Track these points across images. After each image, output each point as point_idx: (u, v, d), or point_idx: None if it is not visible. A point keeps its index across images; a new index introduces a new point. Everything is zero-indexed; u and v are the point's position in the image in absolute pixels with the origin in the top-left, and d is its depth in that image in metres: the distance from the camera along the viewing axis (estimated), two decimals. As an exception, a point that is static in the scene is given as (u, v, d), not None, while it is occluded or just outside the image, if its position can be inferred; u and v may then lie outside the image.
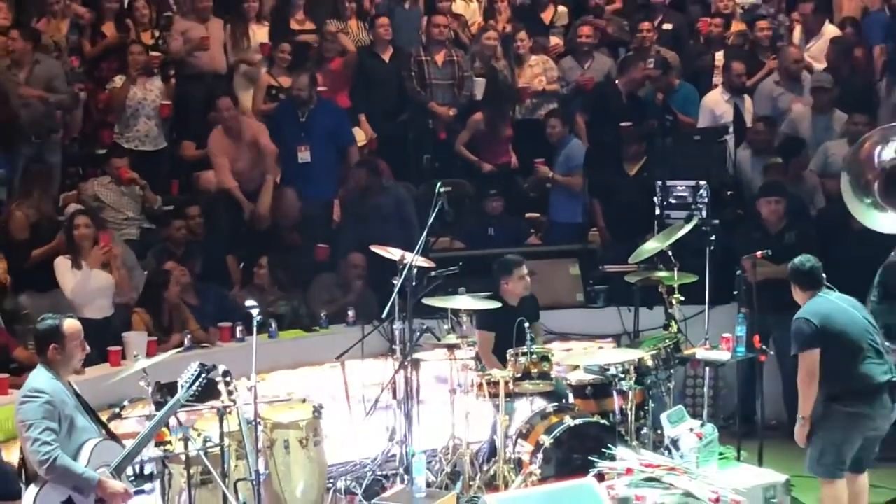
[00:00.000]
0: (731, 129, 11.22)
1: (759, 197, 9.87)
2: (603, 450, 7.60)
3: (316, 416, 7.95)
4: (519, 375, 8.17)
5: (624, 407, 8.12)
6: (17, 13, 11.32)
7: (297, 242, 10.56)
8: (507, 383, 8.09)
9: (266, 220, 10.60)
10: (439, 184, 8.63)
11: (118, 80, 10.86)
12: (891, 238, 8.01)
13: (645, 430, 8.28)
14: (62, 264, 9.07)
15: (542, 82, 11.81)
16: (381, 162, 10.96)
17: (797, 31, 12.18)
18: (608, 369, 8.27)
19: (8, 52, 10.50)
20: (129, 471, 6.58)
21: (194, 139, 11.21)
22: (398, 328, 8.61)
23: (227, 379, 6.81)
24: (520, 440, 8.09)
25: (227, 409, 6.84)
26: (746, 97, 11.49)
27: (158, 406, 6.86)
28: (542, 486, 7.61)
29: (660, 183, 10.53)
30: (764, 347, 8.40)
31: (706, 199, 10.28)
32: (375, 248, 8.96)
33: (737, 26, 12.61)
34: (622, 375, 8.13)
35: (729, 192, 10.74)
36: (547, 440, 7.87)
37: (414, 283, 8.40)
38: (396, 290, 8.38)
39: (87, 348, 6.65)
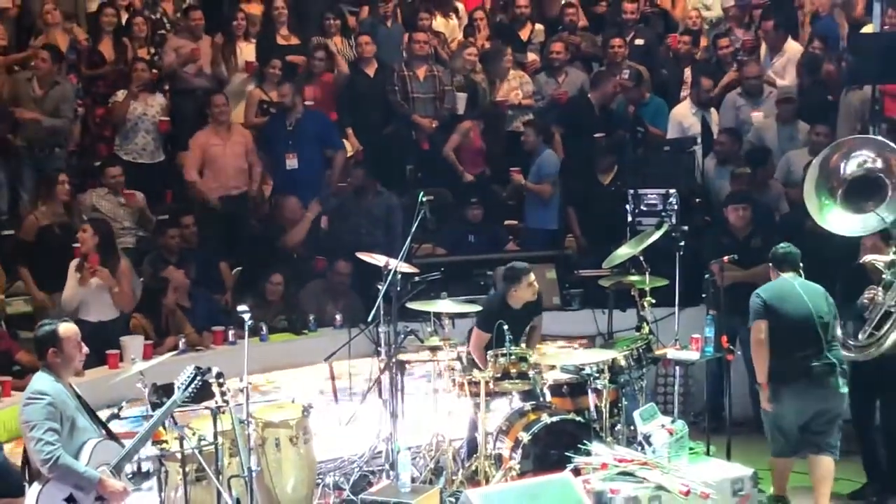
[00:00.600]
0: (699, 141, 11.27)
1: (727, 204, 9.90)
2: (579, 445, 7.65)
3: (305, 415, 7.96)
4: (499, 375, 8.19)
5: (599, 405, 8.14)
6: (17, 31, 11.37)
7: (303, 256, 10.60)
8: (487, 383, 8.12)
9: (295, 247, 10.63)
10: (422, 193, 8.65)
11: (120, 95, 10.86)
12: (845, 240, 8.07)
13: (619, 427, 8.29)
14: (70, 267, 9.08)
15: (518, 96, 11.85)
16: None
17: (763, 47, 12.23)
18: (583, 369, 8.31)
19: (22, 68, 10.56)
20: (128, 469, 6.59)
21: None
22: (383, 331, 8.62)
23: (221, 381, 6.82)
24: (500, 437, 8.11)
25: (221, 410, 6.85)
26: (713, 110, 11.54)
27: (155, 407, 6.87)
28: (521, 480, 7.62)
29: (632, 191, 10.57)
30: (731, 347, 8.42)
31: (676, 207, 10.31)
32: (362, 255, 8.98)
33: (704, 42, 12.68)
34: (597, 375, 8.16)
35: (697, 200, 10.78)
36: (525, 437, 7.87)
37: (398, 288, 8.43)
38: (381, 294, 8.40)
39: (86, 349, 6.65)
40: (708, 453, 8.01)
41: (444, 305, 8.67)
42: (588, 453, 7.55)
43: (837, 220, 7.91)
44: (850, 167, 7.91)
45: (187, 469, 6.94)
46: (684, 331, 8.92)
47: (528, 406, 8.20)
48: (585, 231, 11.08)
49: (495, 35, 12.48)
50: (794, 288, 7.79)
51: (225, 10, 12.08)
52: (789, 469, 8.04)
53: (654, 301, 8.97)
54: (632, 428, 8.05)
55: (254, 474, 7.01)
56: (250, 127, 11.14)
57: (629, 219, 10.54)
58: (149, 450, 6.86)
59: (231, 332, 9.35)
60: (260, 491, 7.45)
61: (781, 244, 8.03)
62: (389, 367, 8.41)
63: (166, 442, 7.02)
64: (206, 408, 6.95)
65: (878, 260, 7.79)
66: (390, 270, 8.37)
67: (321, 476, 8.48)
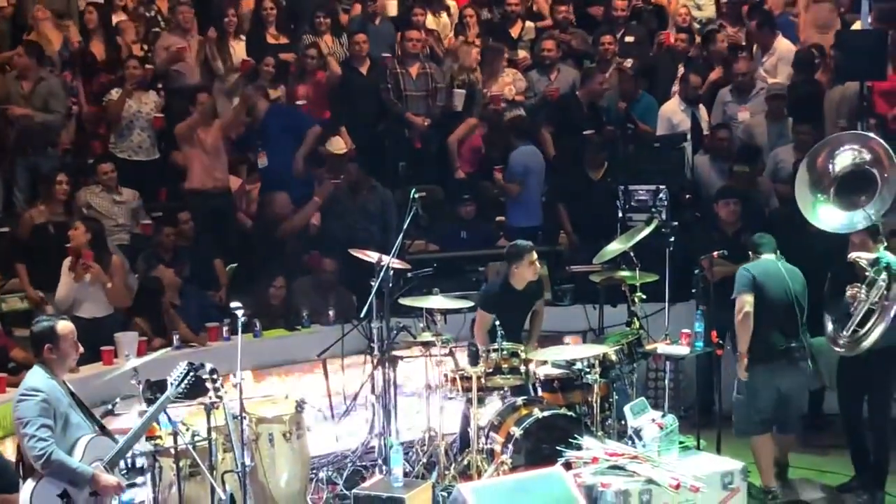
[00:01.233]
0: (688, 137, 11.26)
1: (717, 199, 9.92)
2: (570, 440, 7.63)
3: (298, 410, 7.94)
4: (490, 370, 8.18)
5: (590, 399, 8.14)
6: (12, 29, 11.35)
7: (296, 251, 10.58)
8: (479, 378, 8.10)
9: (292, 233, 10.64)
10: (414, 190, 8.64)
11: (114, 93, 10.84)
12: (835, 235, 8.06)
13: (609, 421, 8.29)
14: (64, 265, 9.05)
15: (512, 91, 11.83)
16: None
17: (756, 46, 12.21)
18: (574, 364, 8.30)
19: (12, 67, 10.55)
20: (122, 464, 6.58)
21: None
22: (376, 327, 8.61)
23: (214, 376, 6.80)
24: (491, 432, 8.10)
25: (214, 405, 6.84)
26: (702, 106, 11.53)
27: (149, 403, 6.85)
28: (512, 474, 7.61)
29: (622, 188, 10.58)
30: (721, 342, 8.40)
31: (665, 203, 10.30)
32: (355, 252, 8.96)
33: (697, 39, 12.65)
34: (588, 369, 8.15)
35: (687, 196, 10.77)
36: (517, 431, 7.87)
37: (391, 284, 8.42)
38: (374, 290, 8.39)
39: (81, 348, 6.63)
40: (698, 447, 8.00)
41: (437, 301, 8.66)
42: (579, 448, 7.53)
43: (827, 216, 7.89)
44: (839, 164, 7.87)
45: (181, 464, 6.92)
46: (674, 326, 8.93)
47: (519, 401, 8.19)
48: (576, 227, 11.06)
49: (485, 33, 12.44)
50: (779, 269, 8.07)
51: (214, 6, 12.03)
52: (770, 451, 8.22)
53: (644, 296, 9.00)
54: (622, 422, 8.04)
55: (247, 470, 7.00)
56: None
57: (619, 215, 10.54)
58: (143, 445, 6.83)
59: (225, 329, 9.33)
60: (253, 486, 7.43)
61: (757, 233, 8.35)
62: (382, 362, 8.40)
63: (160, 438, 7.00)
64: (200, 403, 6.93)
65: (861, 258, 7.78)
66: (383, 267, 8.36)
67: (314, 471, 8.49)
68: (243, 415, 7.28)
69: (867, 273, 7.69)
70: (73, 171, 10.70)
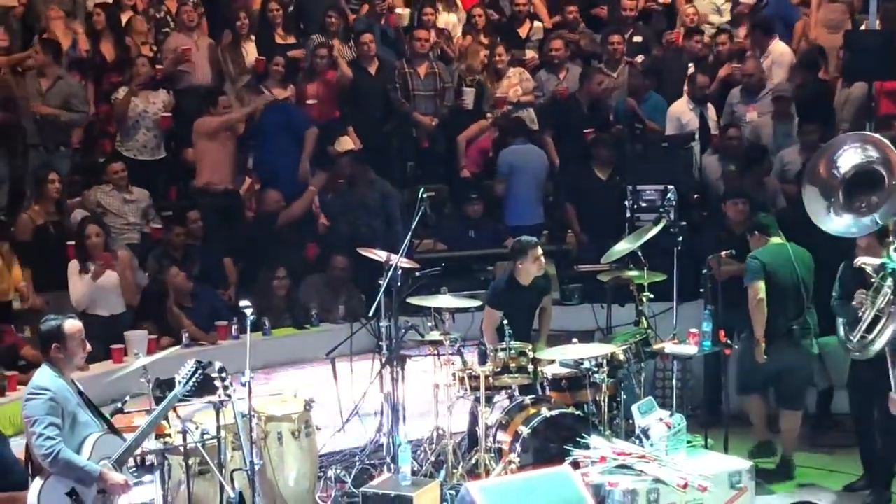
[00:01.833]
0: (696, 136, 11.22)
1: (725, 199, 9.87)
2: (578, 439, 7.62)
3: (307, 409, 7.92)
4: (498, 370, 8.15)
5: (597, 398, 8.10)
6: (22, 30, 11.33)
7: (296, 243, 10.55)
8: (487, 377, 8.07)
9: (291, 221, 10.63)
10: (422, 189, 8.61)
11: (121, 92, 10.82)
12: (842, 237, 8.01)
13: (617, 421, 8.25)
14: (72, 268, 9.03)
15: (517, 93, 11.78)
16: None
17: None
18: (582, 363, 8.26)
19: (30, 66, 10.54)
20: (131, 462, 6.55)
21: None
22: (384, 326, 8.58)
23: (223, 375, 6.77)
24: (499, 431, 8.07)
25: (223, 404, 6.81)
26: (710, 105, 11.49)
27: (158, 401, 6.83)
28: (520, 473, 7.58)
29: (630, 187, 10.55)
30: (729, 342, 8.38)
31: (674, 203, 10.24)
32: (362, 251, 8.93)
33: (706, 39, 12.59)
34: (595, 369, 8.11)
35: (695, 196, 10.74)
36: (525, 430, 7.84)
37: (399, 284, 8.39)
38: (383, 289, 8.37)
39: (89, 347, 6.61)
40: (706, 446, 7.98)
41: (445, 300, 8.62)
42: (587, 447, 7.52)
43: (837, 222, 7.80)
44: (844, 164, 7.77)
45: (190, 462, 6.90)
46: (682, 325, 8.89)
47: (527, 400, 8.16)
48: (584, 227, 11.02)
49: (493, 32, 12.40)
50: (789, 255, 8.35)
51: (222, 6, 12.01)
52: (763, 409, 8.72)
53: (652, 296, 8.98)
54: (630, 421, 8.00)
55: (256, 468, 6.98)
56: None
57: (628, 214, 10.52)
58: (152, 443, 6.81)
59: (234, 327, 9.30)
60: (262, 484, 7.41)
61: (760, 213, 8.64)
62: (391, 361, 8.37)
63: (169, 436, 6.97)
64: (210, 402, 6.90)
65: (867, 265, 7.69)
66: (391, 266, 8.33)
67: (323, 469, 8.45)
68: (252, 413, 7.25)
69: (872, 280, 7.62)
70: (83, 171, 10.72)
